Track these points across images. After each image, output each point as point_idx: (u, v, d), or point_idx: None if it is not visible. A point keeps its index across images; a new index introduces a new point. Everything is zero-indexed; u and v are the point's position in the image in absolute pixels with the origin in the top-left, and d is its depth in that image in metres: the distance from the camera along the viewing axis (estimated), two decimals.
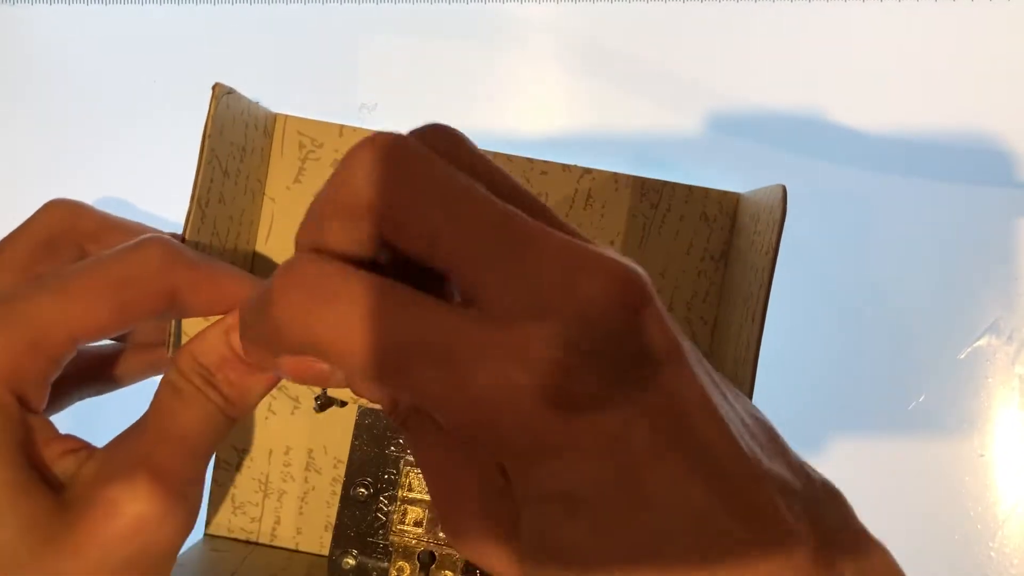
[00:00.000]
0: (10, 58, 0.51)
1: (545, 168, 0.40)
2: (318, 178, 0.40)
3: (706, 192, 0.40)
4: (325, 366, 0.21)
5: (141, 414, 0.28)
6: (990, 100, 0.45)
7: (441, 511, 0.22)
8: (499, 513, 0.21)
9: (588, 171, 0.40)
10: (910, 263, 0.45)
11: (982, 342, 0.45)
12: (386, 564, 0.38)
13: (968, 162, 0.45)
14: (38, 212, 0.32)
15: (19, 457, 0.25)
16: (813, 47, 0.45)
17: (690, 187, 0.40)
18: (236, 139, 0.36)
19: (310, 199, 0.39)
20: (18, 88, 0.51)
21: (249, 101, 0.37)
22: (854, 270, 0.45)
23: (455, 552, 0.37)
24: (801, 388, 0.45)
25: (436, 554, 0.37)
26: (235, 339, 0.27)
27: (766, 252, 0.33)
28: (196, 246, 0.34)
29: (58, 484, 0.26)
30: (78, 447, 0.27)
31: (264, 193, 0.40)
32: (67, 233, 0.31)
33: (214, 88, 0.33)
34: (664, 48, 0.45)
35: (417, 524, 0.37)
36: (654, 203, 0.40)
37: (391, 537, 0.37)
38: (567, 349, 0.17)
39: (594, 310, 0.18)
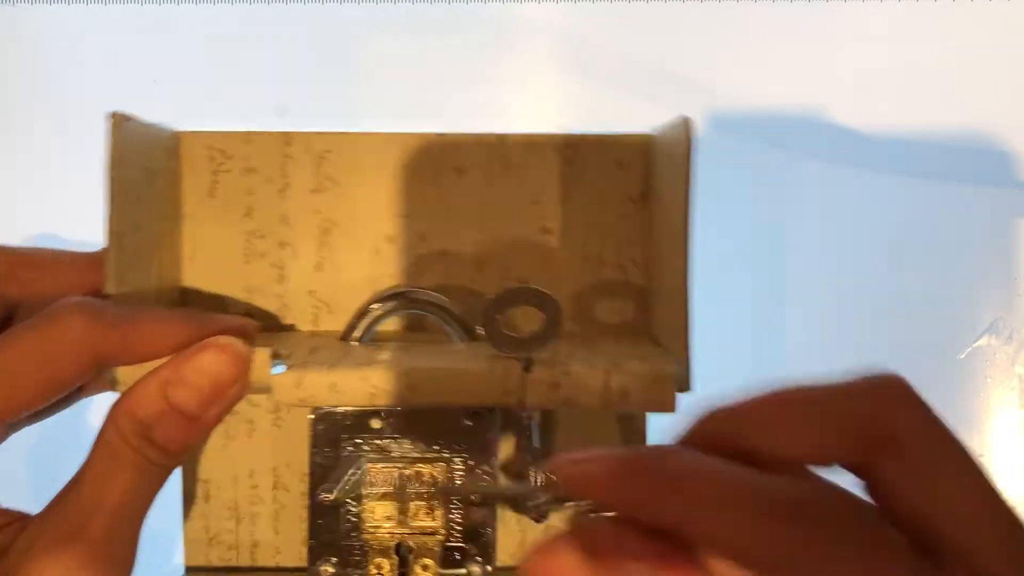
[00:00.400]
0: None
1: (458, 141, 0.40)
2: (232, 190, 0.40)
3: (618, 139, 0.40)
4: None
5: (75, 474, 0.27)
6: (990, 100, 0.46)
7: None
8: None
9: (501, 137, 0.40)
10: (910, 263, 0.46)
11: (982, 342, 0.46)
12: (365, 564, 0.37)
13: (968, 162, 0.46)
14: None
15: None
16: (813, 47, 0.46)
17: (602, 136, 0.40)
18: (143, 163, 0.36)
19: (226, 213, 0.40)
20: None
21: (149, 125, 0.36)
22: (854, 269, 0.46)
23: (429, 540, 0.36)
24: None
25: (413, 544, 0.37)
26: (173, 392, 0.27)
27: (683, 183, 0.33)
28: (118, 278, 0.34)
29: None
30: (11, 520, 0.26)
31: (181, 215, 0.40)
32: None
33: (112, 117, 0.33)
34: (663, 48, 0.45)
35: (388, 519, 0.37)
36: (570, 159, 0.40)
37: (364, 536, 0.37)
38: None
39: None
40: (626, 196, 0.40)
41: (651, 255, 0.40)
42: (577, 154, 0.40)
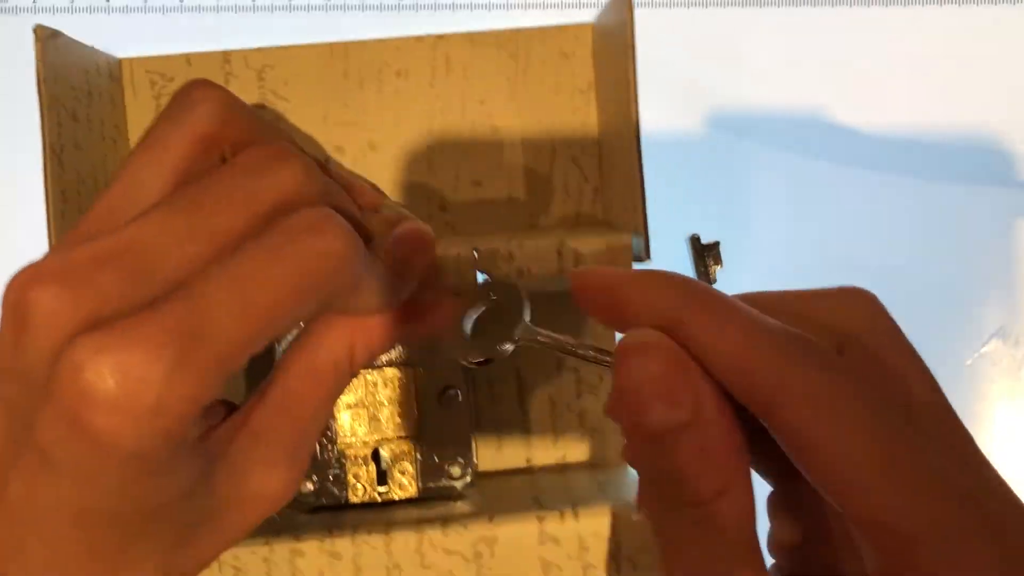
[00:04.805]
0: None
1: (399, 44, 0.39)
2: None
3: (559, 29, 0.40)
4: None
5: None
6: (990, 100, 0.45)
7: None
8: None
9: (441, 37, 0.40)
10: (914, 267, 0.45)
11: (989, 347, 0.45)
12: (344, 476, 0.37)
13: (969, 162, 0.45)
14: (193, 103, 0.26)
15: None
16: (814, 48, 0.45)
17: (543, 28, 0.40)
18: (77, 84, 0.35)
19: None
20: None
21: (82, 46, 0.36)
22: (857, 273, 0.45)
23: (405, 444, 0.36)
24: None
25: (388, 451, 0.36)
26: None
27: (625, 52, 0.32)
28: (62, 194, 0.33)
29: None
30: (221, 417, 0.25)
31: (127, 138, 0.39)
32: (216, 137, 0.25)
33: (35, 31, 0.33)
34: (662, 49, 0.44)
35: (360, 427, 0.37)
36: (512, 53, 0.40)
37: (339, 448, 0.36)
38: None
39: None
40: (575, 88, 0.40)
41: (604, 145, 0.39)
42: (519, 47, 0.39)
